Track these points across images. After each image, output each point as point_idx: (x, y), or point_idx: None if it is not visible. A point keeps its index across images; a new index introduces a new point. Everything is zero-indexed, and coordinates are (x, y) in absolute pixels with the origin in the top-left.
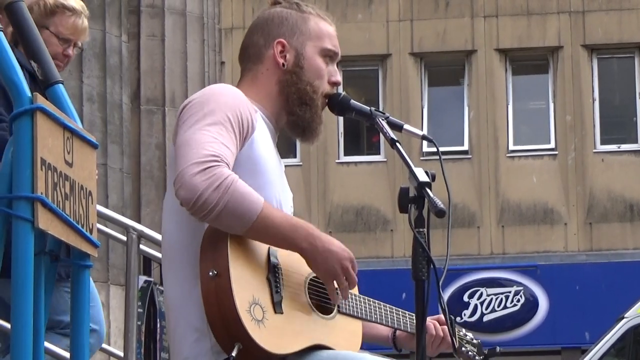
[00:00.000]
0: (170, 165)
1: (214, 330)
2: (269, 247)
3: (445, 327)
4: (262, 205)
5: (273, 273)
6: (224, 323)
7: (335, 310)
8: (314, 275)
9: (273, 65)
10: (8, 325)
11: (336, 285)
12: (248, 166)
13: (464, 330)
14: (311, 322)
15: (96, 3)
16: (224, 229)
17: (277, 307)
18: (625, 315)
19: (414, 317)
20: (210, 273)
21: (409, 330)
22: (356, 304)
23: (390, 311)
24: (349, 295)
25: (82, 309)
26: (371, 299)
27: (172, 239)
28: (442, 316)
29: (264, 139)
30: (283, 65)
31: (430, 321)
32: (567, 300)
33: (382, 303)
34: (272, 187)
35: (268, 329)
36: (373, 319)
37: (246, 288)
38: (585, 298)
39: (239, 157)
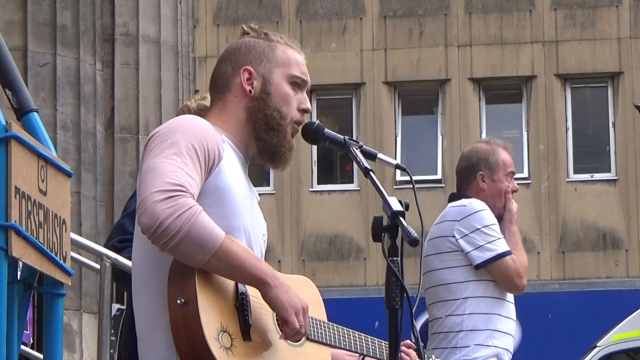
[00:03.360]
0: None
1: (183, 359)
2: None
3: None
4: (223, 239)
5: (241, 300)
6: (193, 351)
7: (304, 338)
8: None
9: (240, 93)
10: None
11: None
12: (215, 195)
13: (433, 356)
14: (280, 350)
15: (70, 31)
16: (183, 259)
17: (245, 334)
18: (598, 344)
19: (382, 344)
20: (178, 301)
21: (377, 356)
22: (325, 331)
23: (359, 338)
24: (318, 323)
25: (55, 339)
26: (340, 326)
27: (140, 269)
28: (408, 341)
29: (232, 168)
30: (250, 92)
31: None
32: (540, 328)
33: (350, 330)
34: (240, 216)
35: (237, 357)
36: (342, 346)
37: (214, 316)
38: (558, 327)
39: (206, 187)
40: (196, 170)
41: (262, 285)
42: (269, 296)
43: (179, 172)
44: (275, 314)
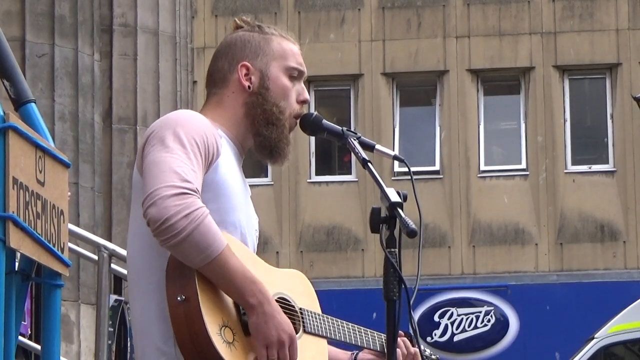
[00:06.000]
0: (135, 189)
1: (185, 354)
2: None
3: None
4: (224, 247)
5: None
6: (195, 347)
7: (301, 330)
8: (279, 295)
9: (239, 89)
10: None
11: (265, 355)
12: (212, 190)
13: (427, 351)
14: None
15: (68, 22)
16: (181, 258)
17: (246, 329)
18: (596, 336)
19: (375, 335)
20: (179, 298)
21: (371, 347)
22: (321, 324)
23: (354, 329)
24: (314, 315)
25: (53, 330)
26: (335, 318)
27: (136, 263)
28: (400, 332)
29: (228, 164)
30: (249, 87)
31: (401, 340)
32: (538, 320)
33: (345, 322)
34: (236, 211)
35: (239, 351)
36: (338, 338)
37: (215, 311)
38: (555, 318)
39: (204, 181)
40: (199, 165)
41: (246, 309)
42: (250, 322)
43: (186, 169)
44: None
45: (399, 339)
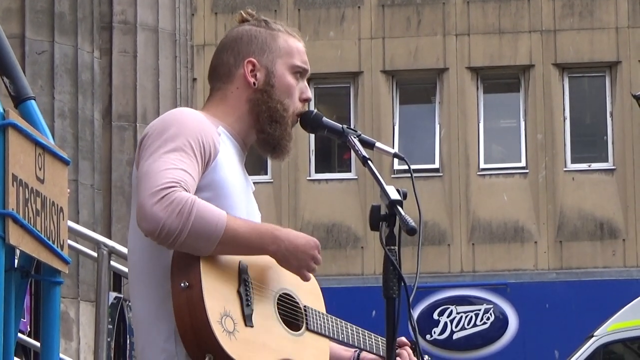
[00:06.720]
0: (135, 187)
1: (185, 342)
2: (239, 262)
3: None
4: (225, 220)
5: (244, 287)
6: (195, 334)
7: (303, 327)
8: (284, 291)
9: (243, 85)
10: None
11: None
12: (212, 189)
13: (426, 356)
14: (281, 337)
15: (68, 19)
16: (193, 252)
17: (247, 320)
18: (595, 334)
19: (379, 339)
20: (182, 284)
21: (374, 351)
22: (324, 323)
23: (357, 331)
24: (318, 314)
25: (52, 327)
26: (339, 319)
27: (137, 260)
28: (403, 338)
29: (228, 161)
30: (254, 84)
31: (402, 350)
32: (537, 318)
33: (349, 323)
34: (237, 209)
35: (239, 341)
36: (340, 338)
37: (218, 300)
38: (555, 316)
39: (203, 181)
40: (192, 164)
41: (271, 255)
42: (280, 264)
43: (173, 170)
44: (276, 302)
45: (404, 349)
